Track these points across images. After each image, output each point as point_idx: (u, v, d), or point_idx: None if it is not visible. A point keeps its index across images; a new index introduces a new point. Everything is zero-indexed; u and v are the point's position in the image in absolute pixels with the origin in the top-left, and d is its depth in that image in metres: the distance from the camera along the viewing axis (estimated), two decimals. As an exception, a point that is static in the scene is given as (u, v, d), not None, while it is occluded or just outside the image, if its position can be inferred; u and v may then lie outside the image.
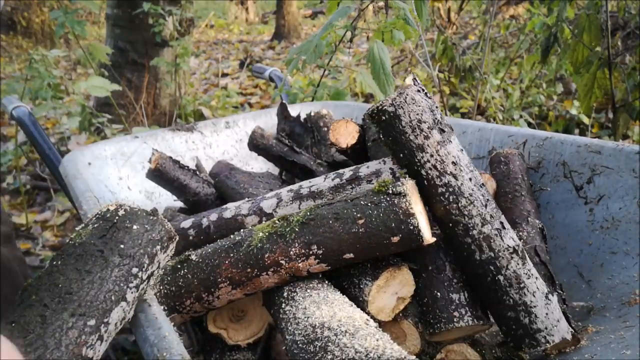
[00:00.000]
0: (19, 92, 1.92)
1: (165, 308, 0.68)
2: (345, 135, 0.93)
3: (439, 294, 0.70)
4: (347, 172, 0.76)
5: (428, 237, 0.65)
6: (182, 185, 1.01)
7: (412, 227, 0.63)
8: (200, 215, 0.85)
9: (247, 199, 0.85)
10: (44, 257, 1.85)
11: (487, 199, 0.69)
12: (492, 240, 0.67)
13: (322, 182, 0.77)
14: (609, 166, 0.91)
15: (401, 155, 0.70)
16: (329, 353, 0.53)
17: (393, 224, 0.63)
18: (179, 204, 1.11)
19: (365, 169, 0.75)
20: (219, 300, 0.71)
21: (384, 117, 0.69)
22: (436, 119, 0.69)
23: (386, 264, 0.70)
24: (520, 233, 0.88)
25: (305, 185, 0.79)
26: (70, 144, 2.56)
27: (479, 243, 0.67)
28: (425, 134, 0.68)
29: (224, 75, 4.50)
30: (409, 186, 0.66)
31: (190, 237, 0.83)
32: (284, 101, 1.38)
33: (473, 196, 0.68)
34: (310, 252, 0.66)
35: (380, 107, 0.69)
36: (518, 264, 0.68)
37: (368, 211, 0.64)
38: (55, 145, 1.22)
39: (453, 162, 0.68)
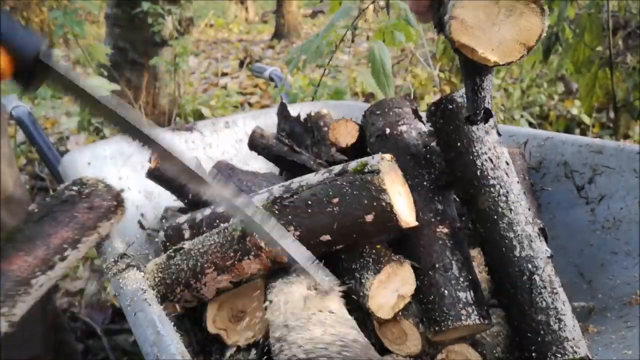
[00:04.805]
0: (18, 92, 1.91)
1: (158, 296, 0.69)
2: (345, 134, 0.94)
3: (446, 291, 0.70)
4: (337, 168, 0.78)
5: (407, 219, 0.65)
6: (182, 185, 1.01)
7: (384, 204, 0.63)
8: (196, 212, 0.87)
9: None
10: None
11: (530, 206, 0.72)
12: (532, 240, 0.69)
13: (312, 178, 0.79)
14: (610, 166, 0.91)
15: (458, 143, 0.73)
16: (282, 353, 0.54)
17: (366, 201, 0.64)
18: (179, 203, 1.11)
19: (354, 163, 0.76)
20: (207, 288, 0.72)
21: (450, 106, 0.73)
22: (495, 123, 0.74)
23: (388, 259, 0.70)
24: (522, 233, 0.88)
25: (296, 181, 0.80)
26: (69, 143, 2.55)
27: (521, 240, 0.68)
28: (486, 130, 0.72)
29: (224, 74, 4.49)
30: (385, 164, 0.66)
31: (184, 231, 0.85)
32: (283, 101, 1.37)
33: (520, 196, 0.71)
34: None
35: (449, 97, 0.74)
36: (552, 270, 0.69)
37: (343, 190, 0.66)
38: (55, 145, 1.22)
39: (506, 162, 0.72)
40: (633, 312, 0.77)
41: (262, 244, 0.67)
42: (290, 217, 0.67)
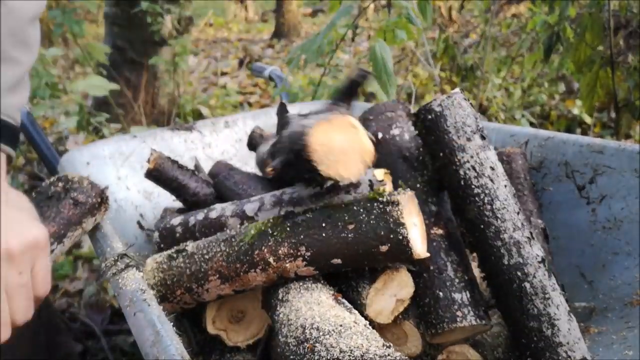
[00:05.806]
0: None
1: (157, 296, 0.69)
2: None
3: (441, 294, 0.70)
4: (329, 181, 0.77)
5: (420, 251, 0.64)
6: (181, 185, 1.01)
7: (401, 237, 0.63)
8: (189, 214, 0.87)
9: (233, 201, 0.86)
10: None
11: (520, 209, 0.70)
12: (521, 247, 0.67)
13: (303, 190, 0.78)
14: (611, 166, 0.91)
15: (441, 154, 0.71)
16: (315, 354, 0.53)
17: (382, 232, 0.63)
18: (178, 204, 1.10)
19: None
20: (208, 293, 0.71)
21: (429, 116, 0.72)
22: (478, 126, 0.72)
23: (383, 267, 0.69)
24: (522, 233, 0.87)
25: (287, 192, 0.80)
26: (68, 143, 2.54)
27: (509, 247, 0.67)
28: (468, 137, 0.70)
29: (223, 74, 4.49)
30: (404, 197, 0.65)
31: (177, 235, 0.85)
32: (283, 100, 1.37)
33: (507, 201, 0.69)
34: (299, 254, 0.66)
35: (427, 107, 0.72)
36: (545, 274, 0.67)
37: (360, 217, 0.65)
38: (54, 145, 1.21)
39: (491, 167, 0.70)
40: (634, 313, 0.77)
41: (271, 259, 0.66)
42: (302, 236, 0.66)
